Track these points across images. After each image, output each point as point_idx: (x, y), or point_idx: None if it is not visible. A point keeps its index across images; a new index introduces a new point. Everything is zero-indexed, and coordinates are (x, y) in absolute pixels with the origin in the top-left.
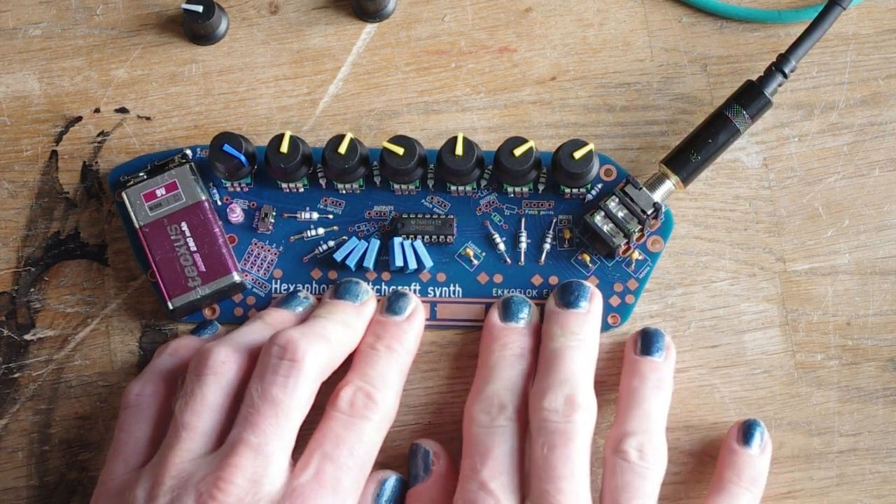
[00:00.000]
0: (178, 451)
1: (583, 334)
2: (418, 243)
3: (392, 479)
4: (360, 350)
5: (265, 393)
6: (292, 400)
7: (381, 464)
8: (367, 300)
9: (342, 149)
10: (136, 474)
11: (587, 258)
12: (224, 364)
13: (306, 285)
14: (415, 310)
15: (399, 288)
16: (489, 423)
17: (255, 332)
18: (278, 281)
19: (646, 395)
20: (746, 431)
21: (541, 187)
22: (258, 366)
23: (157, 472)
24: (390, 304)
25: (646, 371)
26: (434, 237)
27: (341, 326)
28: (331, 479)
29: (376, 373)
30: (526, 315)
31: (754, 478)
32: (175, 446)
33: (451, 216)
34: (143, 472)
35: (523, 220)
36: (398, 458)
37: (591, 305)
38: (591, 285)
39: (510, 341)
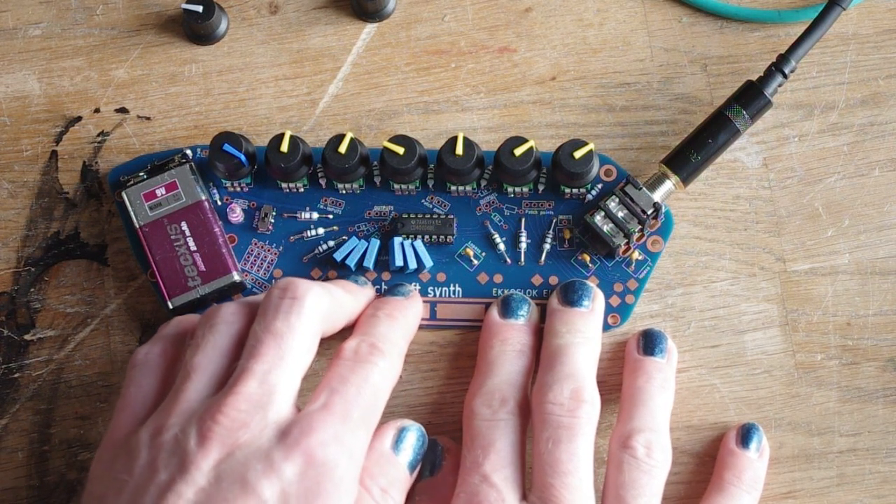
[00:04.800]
0: (185, 391)
1: (587, 332)
2: (418, 243)
3: (414, 429)
4: (360, 319)
5: (268, 327)
6: (295, 333)
7: None
8: (366, 286)
9: (342, 149)
10: (143, 422)
11: (587, 258)
12: (235, 315)
13: None
14: (414, 294)
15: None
16: (491, 417)
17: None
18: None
19: (652, 394)
20: (745, 434)
21: (541, 187)
22: (260, 309)
23: (164, 413)
24: (389, 290)
25: (651, 370)
26: (434, 237)
27: (342, 289)
28: (340, 410)
29: (379, 332)
30: (525, 312)
31: (754, 480)
32: (183, 387)
33: (451, 216)
34: (150, 417)
35: (523, 220)
36: None
37: (595, 304)
38: (593, 285)
39: (510, 337)
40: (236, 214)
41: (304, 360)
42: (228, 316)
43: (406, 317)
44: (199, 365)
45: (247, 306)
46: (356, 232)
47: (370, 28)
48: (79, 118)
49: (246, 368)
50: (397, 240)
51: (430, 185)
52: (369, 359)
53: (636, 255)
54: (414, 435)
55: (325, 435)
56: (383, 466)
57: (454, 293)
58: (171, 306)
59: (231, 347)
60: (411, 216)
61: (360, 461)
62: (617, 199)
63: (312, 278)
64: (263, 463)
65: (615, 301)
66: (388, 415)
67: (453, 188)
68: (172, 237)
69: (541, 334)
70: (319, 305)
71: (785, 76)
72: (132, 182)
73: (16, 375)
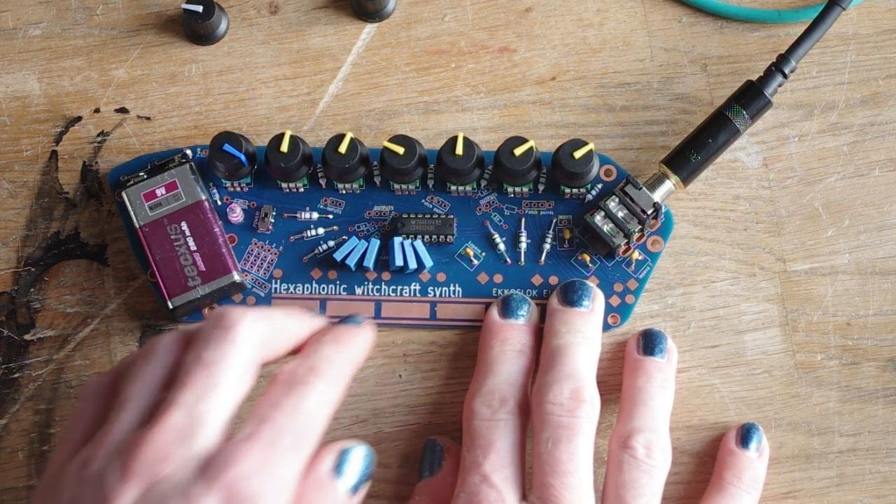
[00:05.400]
0: (115, 424)
1: (587, 332)
2: (418, 243)
3: (358, 450)
4: (305, 344)
5: (198, 356)
6: (225, 362)
7: (383, 464)
8: (318, 316)
9: (342, 148)
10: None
11: (587, 258)
12: (171, 345)
13: (306, 285)
14: (367, 323)
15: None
16: (491, 417)
17: None
18: (278, 281)
19: (652, 394)
20: (745, 434)
21: (541, 187)
22: (193, 339)
23: (92, 446)
24: (342, 319)
25: (651, 370)
26: (434, 237)
27: (283, 314)
28: (267, 438)
29: (321, 354)
30: (526, 312)
31: (754, 480)
32: (113, 420)
33: (451, 216)
34: (82, 450)
35: (523, 220)
36: (398, 457)
37: (595, 304)
38: (593, 285)
39: (510, 337)
40: (236, 214)
41: (238, 390)
42: (164, 346)
43: (354, 343)
44: (130, 396)
45: (185, 336)
46: (356, 232)
47: (370, 28)
48: (79, 118)
49: (172, 399)
50: (397, 240)
51: (430, 185)
52: (306, 380)
53: (636, 255)
54: (358, 456)
55: (249, 467)
56: (320, 492)
57: (454, 293)
58: (171, 306)
59: (163, 377)
60: (411, 216)
61: (289, 491)
62: (617, 199)
63: (312, 278)
64: (182, 498)
65: (615, 301)
66: (390, 415)
67: (453, 188)
68: (172, 237)
69: (541, 334)
70: (253, 333)
71: (785, 76)
72: (132, 182)
73: (16, 375)
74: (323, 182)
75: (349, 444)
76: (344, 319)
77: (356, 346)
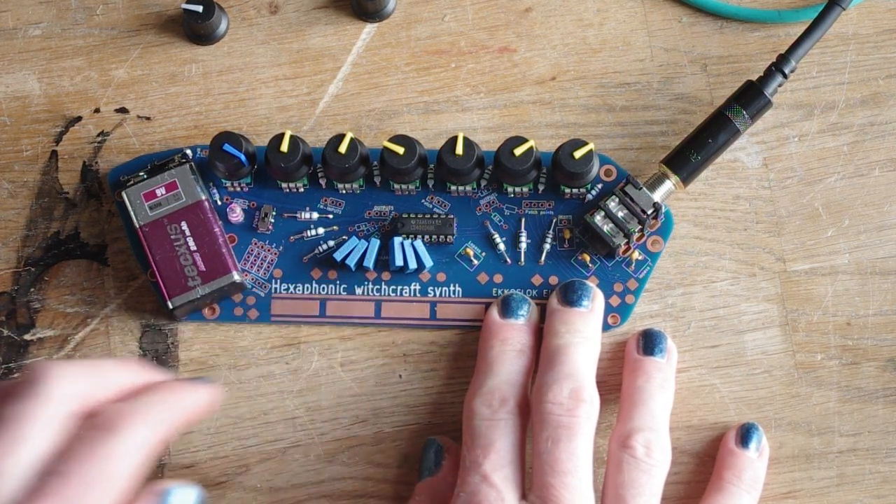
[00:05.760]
0: None
1: (587, 332)
2: (418, 243)
3: (181, 492)
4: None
5: None
6: (26, 418)
7: (383, 464)
8: (170, 375)
9: (342, 148)
10: None
11: (587, 258)
12: None
13: (306, 285)
14: (212, 384)
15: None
16: (491, 416)
17: None
18: (278, 281)
19: (651, 394)
20: (745, 434)
21: (541, 187)
22: (2, 396)
23: None
24: (195, 378)
25: (651, 370)
26: (434, 237)
27: (113, 365)
28: (63, 494)
29: (140, 400)
30: (526, 312)
31: (754, 479)
32: None
33: (451, 216)
34: None
35: (523, 220)
36: (398, 457)
37: (594, 304)
38: (593, 285)
39: (510, 337)
40: (236, 214)
41: (42, 445)
42: None
43: (185, 395)
44: None
45: (1, 390)
46: (356, 232)
47: (370, 28)
48: (79, 118)
49: None
50: (397, 240)
51: (430, 185)
52: (116, 425)
53: (636, 255)
54: (182, 498)
55: None
56: None
57: (454, 293)
58: (171, 306)
59: None
60: (411, 216)
61: None
62: (617, 199)
63: (312, 278)
64: None
65: (615, 301)
66: (390, 415)
67: (453, 188)
68: (172, 237)
69: (541, 334)
70: (62, 387)
71: (785, 76)
72: (132, 182)
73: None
74: (323, 182)
75: (172, 484)
76: (193, 379)
77: (187, 399)
